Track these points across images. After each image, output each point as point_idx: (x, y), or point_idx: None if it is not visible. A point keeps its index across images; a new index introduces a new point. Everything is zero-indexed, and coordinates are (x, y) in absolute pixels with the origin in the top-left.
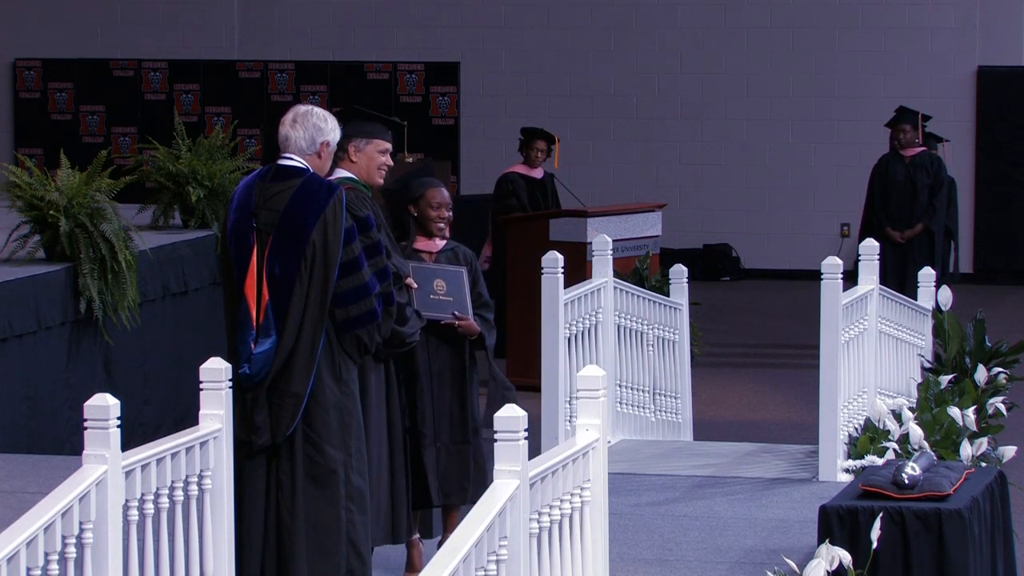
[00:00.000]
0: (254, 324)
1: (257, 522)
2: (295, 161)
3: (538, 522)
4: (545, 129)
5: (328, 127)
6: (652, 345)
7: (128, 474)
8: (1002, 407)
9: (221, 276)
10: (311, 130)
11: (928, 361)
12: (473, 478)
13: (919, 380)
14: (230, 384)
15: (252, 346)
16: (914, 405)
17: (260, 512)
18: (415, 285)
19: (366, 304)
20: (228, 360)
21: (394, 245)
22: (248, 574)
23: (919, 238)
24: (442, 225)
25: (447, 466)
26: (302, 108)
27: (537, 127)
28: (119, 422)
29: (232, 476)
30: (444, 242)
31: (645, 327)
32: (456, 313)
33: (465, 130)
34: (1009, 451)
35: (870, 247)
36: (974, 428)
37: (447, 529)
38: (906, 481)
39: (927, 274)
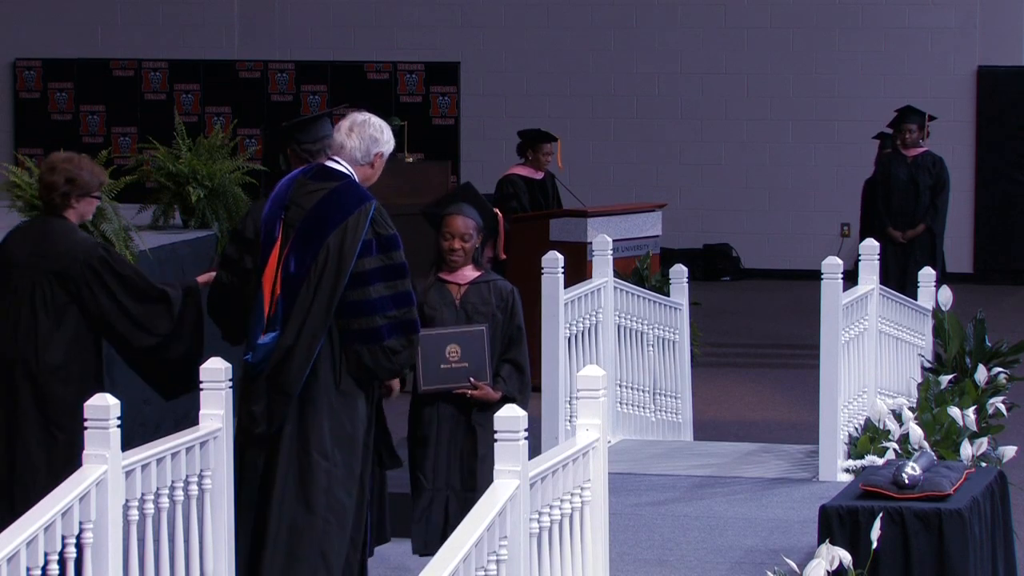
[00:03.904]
0: (265, 314)
1: (251, 510)
2: (341, 166)
3: (538, 522)
4: (547, 131)
5: (384, 138)
6: (652, 345)
7: (128, 474)
8: (1002, 407)
9: (254, 263)
10: (367, 140)
11: (928, 361)
12: None
13: (919, 380)
14: (230, 384)
15: (260, 335)
16: (914, 405)
17: (254, 500)
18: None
19: (367, 321)
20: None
21: None
22: (240, 561)
23: (920, 238)
24: (456, 258)
25: (456, 513)
26: (359, 117)
27: (543, 131)
28: (119, 422)
29: (232, 476)
30: (478, 274)
31: (645, 327)
32: (472, 380)
33: (465, 130)
34: (1009, 451)
35: (870, 247)
36: (974, 428)
37: None
38: (906, 481)
39: (927, 274)
